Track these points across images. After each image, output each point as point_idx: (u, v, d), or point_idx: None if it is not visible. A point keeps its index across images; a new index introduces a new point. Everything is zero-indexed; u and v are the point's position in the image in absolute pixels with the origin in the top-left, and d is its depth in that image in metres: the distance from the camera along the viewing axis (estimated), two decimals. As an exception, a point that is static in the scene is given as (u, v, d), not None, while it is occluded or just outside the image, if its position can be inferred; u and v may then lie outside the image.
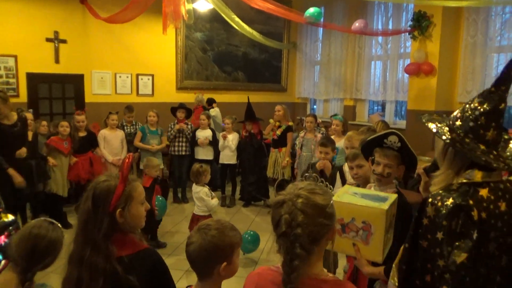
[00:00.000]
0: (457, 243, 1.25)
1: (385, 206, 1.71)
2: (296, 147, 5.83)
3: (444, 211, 1.28)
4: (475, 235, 1.24)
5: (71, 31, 6.74)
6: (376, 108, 7.78)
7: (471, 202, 1.27)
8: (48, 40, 6.57)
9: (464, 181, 1.34)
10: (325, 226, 1.25)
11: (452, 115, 1.44)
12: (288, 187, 1.33)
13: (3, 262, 2.52)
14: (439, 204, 1.30)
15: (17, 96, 6.30)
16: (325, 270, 1.32)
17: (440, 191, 1.35)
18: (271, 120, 6.22)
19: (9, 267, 1.70)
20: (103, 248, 1.44)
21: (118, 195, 1.49)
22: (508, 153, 1.35)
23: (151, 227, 4.64)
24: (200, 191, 4.27)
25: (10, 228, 2.67)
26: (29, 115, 4.88)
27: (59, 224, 1.88)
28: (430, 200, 1.34)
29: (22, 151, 4.39)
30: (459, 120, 1.39)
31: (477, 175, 1.33)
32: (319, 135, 5.56)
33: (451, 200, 1.29)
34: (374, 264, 1.83)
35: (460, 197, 1.28)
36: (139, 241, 1.58)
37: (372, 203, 1.75)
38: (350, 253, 1.85)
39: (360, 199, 1.78)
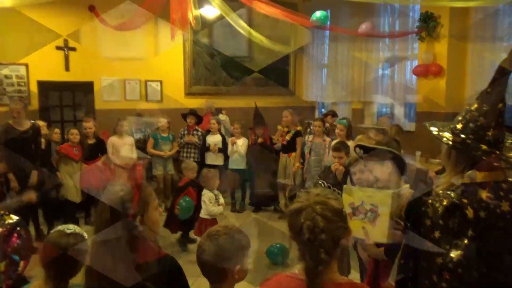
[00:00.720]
0: (454, 241, 1.28)
1: (391, 191, 1.92)
2: (304, 152, 5.80)
3: (440, 211, 1.31)
4: (470, 233, 1.26)
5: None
6: (384, 110, 7.74)
7: (465, 201, 1.30)
8: (58, 48, 6.66)
9: (466, 181, 1.35)
10: (344, 229, 1.29)
11: (454, 119, 1.46)
12: (302, 195, 1.34)
13: (22, 263, 2.55)
14: (437, 204, 1.33)
15: (29, 104, 6.39)
16: (338, 273, 1.33)
17: (440, 192, 1.38)
18: (279, 127, 6.20)
19: (43, 273, 1.74)
20: (124, 257, 1.44)
21: (136, 203, 1.50)
22: None
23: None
24: (204, 195, 4.33)
25: (18, 228, 2.70)
26: (41, 123, 5.00)
27: (85, 235, 1.89)
28: (430, 201, 1.37)
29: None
30: (460, 123, 1.42)
31: (479, 176, 1.35)
32: (327, 139, 5.54)
33: (447, 200, 1.32)
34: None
35: (456, 197, 1.31)
36: (158, 248, 1.60)
37: (379, 189, 1.99)
38: (359, 235, 2.02)
39: (369, 188, 2.04)
